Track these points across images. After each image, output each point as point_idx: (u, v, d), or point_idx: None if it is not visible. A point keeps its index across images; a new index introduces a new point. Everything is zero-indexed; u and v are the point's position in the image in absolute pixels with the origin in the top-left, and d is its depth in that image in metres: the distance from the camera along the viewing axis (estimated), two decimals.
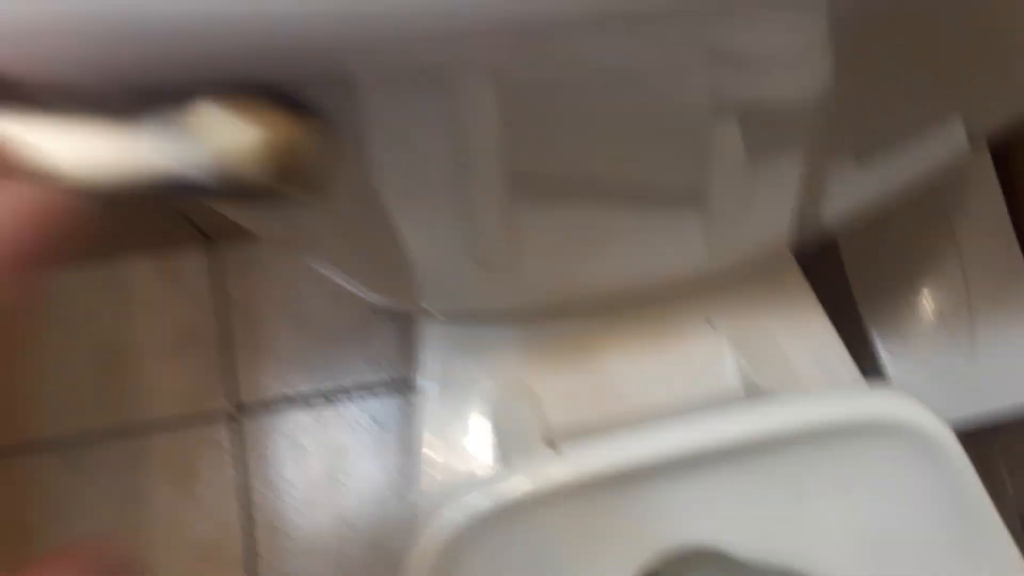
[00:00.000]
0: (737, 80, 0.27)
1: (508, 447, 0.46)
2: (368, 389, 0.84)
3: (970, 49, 0.30)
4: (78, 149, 0.18)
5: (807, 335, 0.50)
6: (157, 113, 0.19)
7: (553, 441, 0.45)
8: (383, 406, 0.84)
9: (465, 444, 0.48)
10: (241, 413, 0.84)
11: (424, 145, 0.27)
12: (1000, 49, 0.31)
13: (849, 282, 0.66)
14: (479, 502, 0.40)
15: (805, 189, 0.40)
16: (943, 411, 0.63)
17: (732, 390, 0.48)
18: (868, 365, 0.65)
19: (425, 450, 0.48)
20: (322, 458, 0.83)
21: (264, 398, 0.84)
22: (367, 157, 0.27)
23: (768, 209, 0.41)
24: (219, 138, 0.19)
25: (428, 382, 0.49)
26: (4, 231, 0.18)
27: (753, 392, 0.47)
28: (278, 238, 0.38)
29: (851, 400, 0.43)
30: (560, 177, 0.33)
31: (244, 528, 0.82)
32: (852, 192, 0.42)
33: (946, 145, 0.39)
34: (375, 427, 0.84)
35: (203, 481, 0.82)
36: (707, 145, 0.32)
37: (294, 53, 0.20)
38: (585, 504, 0.42)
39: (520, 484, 0.40)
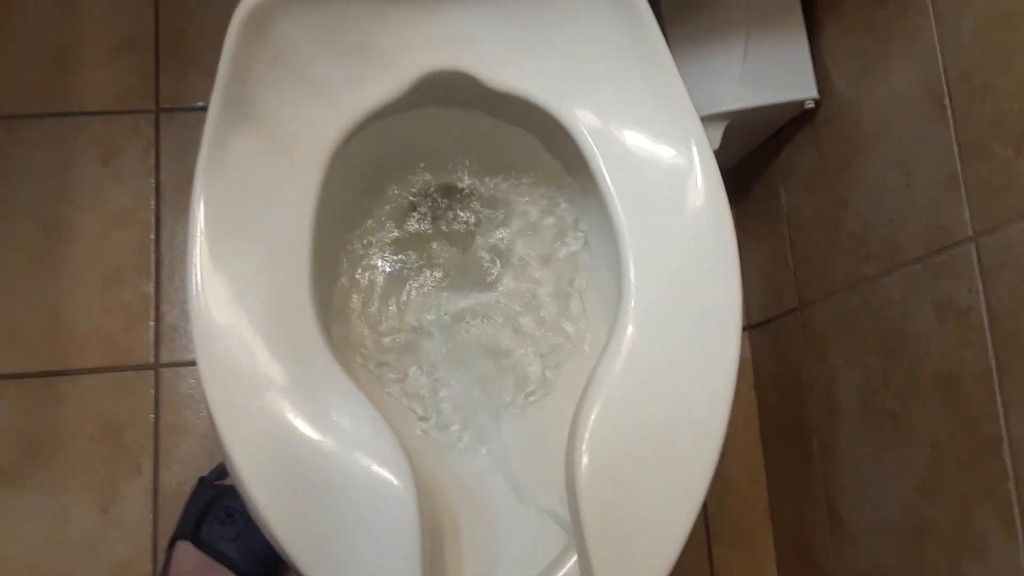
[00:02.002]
0: None
1: None
2: None
3: None
4: None
5: None
6: None
7: None
8: None
9: None
10: (163, 112, 0.99)
11: None
12: None
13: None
14: None
15: None
16: (718, 103, 0.79)
17: None
18: None
19: None
20: None
21: (184, 104, 0.99)
22: None
23: None
24: None
25: None
26: None
27: None
28: None
29: None
30: None
31: (155, 202, 0.97)
32: None
33: None
34: None
35: (125, 161, 0.97)
36: None
37: None
38: (370, 9, 0.57)
39: None
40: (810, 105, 0.79)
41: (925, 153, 0.64)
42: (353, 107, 0.57)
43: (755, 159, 0.94)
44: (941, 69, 0.62)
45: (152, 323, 0.93)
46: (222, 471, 0.89)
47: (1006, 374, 0.56)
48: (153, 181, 0.97)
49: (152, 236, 0.95)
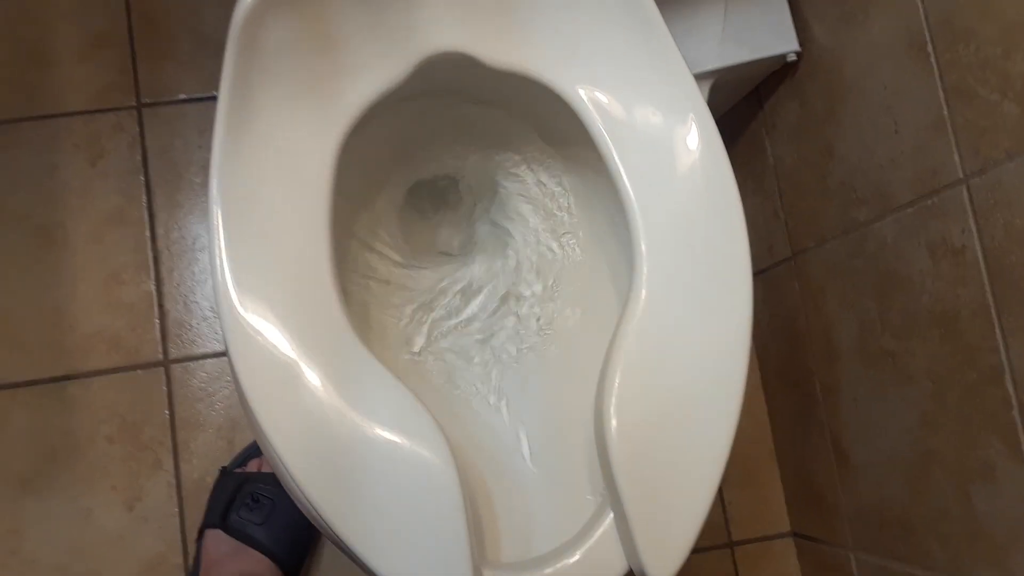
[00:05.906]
0: None
1: None
2: None
3: None
4: None
5: None
6: None
7: None
8: None
9: None
10: (145, 107, 0.98)
11: None
12: None
13: None
14: None
15: None
16: (702, 62, 0.80)
17: None
18: None
19: None
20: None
21: (165, 98, 0.99)
22: None
23: None
24: None
25: None
26: None
27: None
28: None
29: None
30: None
31: (147, 199, 0.97)
32: None
33: None
34: None
35: (112, 159, 0.97)
36: None
37: None
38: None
39: None
40: (792, 58, 0.80)
41: (911, 99, 0.66)
42: (359, 95, 0.58)
43: (738, 113, 0.95)
44: (922, 15, 0.64)
45: (157, 320, 0.94)
46: (242, 459, 0.90)
47: (1004, 307, 0.59)
48: (143, 178, 0.97)
49: (147, 233, 0.96)
